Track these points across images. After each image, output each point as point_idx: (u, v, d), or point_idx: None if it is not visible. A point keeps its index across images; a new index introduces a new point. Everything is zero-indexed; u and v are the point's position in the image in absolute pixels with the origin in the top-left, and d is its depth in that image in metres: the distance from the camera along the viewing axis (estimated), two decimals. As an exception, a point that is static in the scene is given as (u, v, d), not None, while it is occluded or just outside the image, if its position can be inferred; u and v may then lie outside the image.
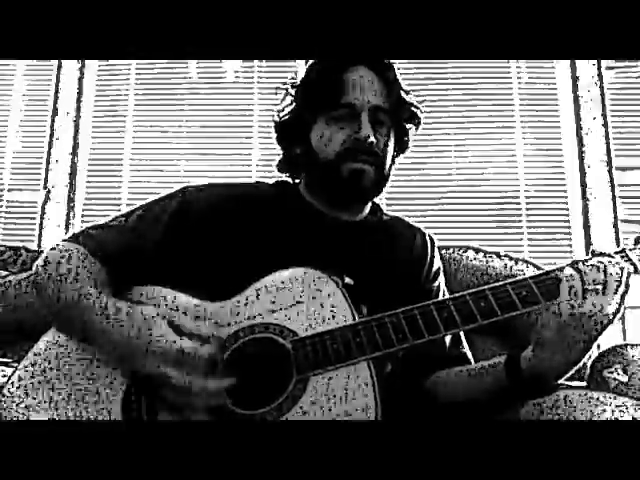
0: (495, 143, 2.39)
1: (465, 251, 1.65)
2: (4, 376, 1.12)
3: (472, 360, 1.10)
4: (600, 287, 0.85)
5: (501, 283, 0.90)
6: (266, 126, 2.43)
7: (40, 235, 2.40)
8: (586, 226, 2.27)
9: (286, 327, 0.89)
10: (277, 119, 1.14)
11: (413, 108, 1.12)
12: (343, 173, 1.04)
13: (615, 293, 0.85)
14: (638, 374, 1.21)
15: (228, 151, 2.47)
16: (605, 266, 0.86)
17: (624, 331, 2.06)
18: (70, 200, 2.44)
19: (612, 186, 2.28)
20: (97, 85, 2.57)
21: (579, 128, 2.34)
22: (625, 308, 0.87)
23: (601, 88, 2.35)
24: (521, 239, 2.30)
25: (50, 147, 2.49)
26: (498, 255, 1.65)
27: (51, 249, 0.98)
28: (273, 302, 0.92)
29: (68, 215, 2.43)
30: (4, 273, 1.73)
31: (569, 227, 2.30)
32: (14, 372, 0.92)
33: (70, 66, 2.55)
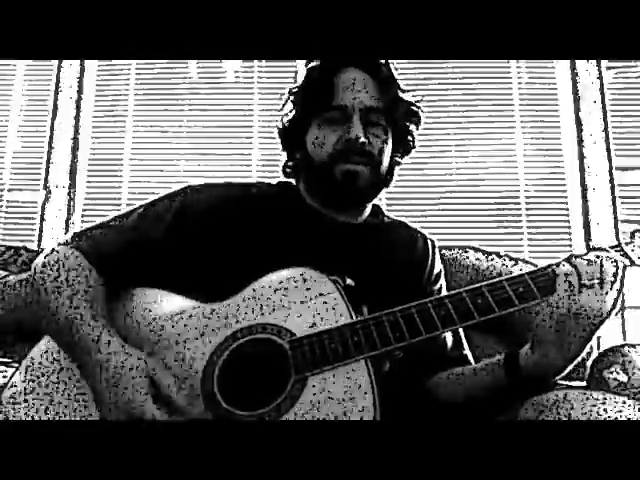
0: (495, 143, 2.39)
1: (465, 251, 1.65)
2: (4, 377, 1.12)
3: (473, 362, 1.10)
4: (596, 282, 0.85)
5: (497, 279, 0.90)
6: (266, 126, 2.43)
7: (40, 235, 2.40)
8: (586, 226, 2.27)
9: (284, 327, 0.89)
10: (280, 126, 1.15)
11: (412, 107, 1.12)
12: (336, 175, 1.04)
13: (611, 288, 0.85)
14: (638, 374, 1.21)
15: (228, 151, 2.47)
16: (601, 261, 0.86)
17: (624, 331, 2.06)
18: (70, 200, 2.44)
19: (612, 186, 2.28)
20: (97, 85, 2.57)
21: (579, 128, 2.34)
22: (624, 306, 0.87)
23: (601, 88, 2.35)
24: (521, 239, 2.30)
25: (50, 147, 2.49)
26: (498, 255, 1.66)
27: (48, 254, 0.98)
28: (271, 302, 0.91)
29: (68, 215, 2.43)
30: (4, 273, 1.73)
31: (569, 227, 2.30)
32: (15, 373, 0.92)
33: (70, 66, 2.55)
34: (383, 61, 1.10)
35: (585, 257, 0.88)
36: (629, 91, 2.38)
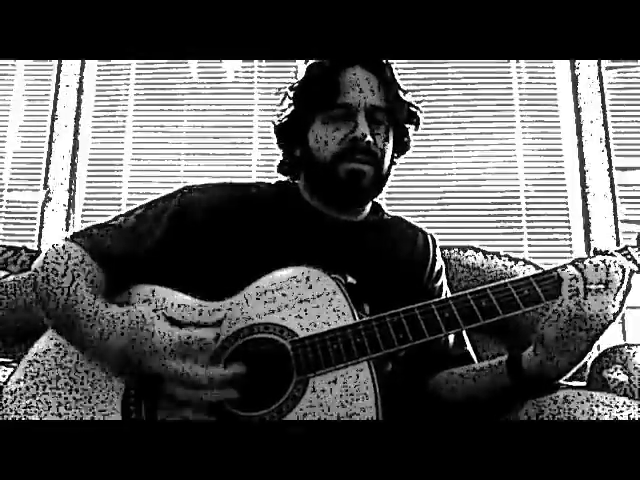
0: (495, 143, 2.39)
1: (465, 251, 1.65)
2: (4, 376, 1.12)
3: (475, 359, 1.10)
4: (602, 287, 0.84)
5: (502, 282, 0.89)
6: (266, 126, 2.43)
7: (40, 235, 2.40)
8: (586, 226, 2.27)
9: (286, 327, 0.89)
10: (277, 122, 1.14)
11: (412, 108, 1.12)
12: (340, 174, 1.04)
13: (617, 293, 0.85)
14: (638, 374, 1.21)
15: (228, 151, 2.47)
16: (607, 265, 0.85)
17: (624, 331, 2.06)
18: (70, 200, 2.44)
19: (612, 186, 2.28)
20: (97, 85, 2.57)
21: (579, 128, 2.34)
22: (625, 308, 0.86)
23: (601, 88, 2.35)
24: (521, 239, 2.30)
25: (50, 147, 2.49)
26: (498, 255, 1.66)
27: (50, 249, 0.98)
28: (273, 302, 0.91)
29: (68, 215, 2.43)
30: (4, 273, 1.73)
31: (569, 227, 2.30)
32: (13, 372, 0.92)
33: (70, 66, 2.55)
34: (385, 61, 1.10)
35: (591, 261, 0.87)
36: (629, 91, 2.38)
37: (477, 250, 1.67)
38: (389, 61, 1.11)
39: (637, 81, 2.39)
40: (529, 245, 2.29)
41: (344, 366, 0.84)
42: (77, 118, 2.52)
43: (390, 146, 1.10)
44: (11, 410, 0.88)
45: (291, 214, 1.09)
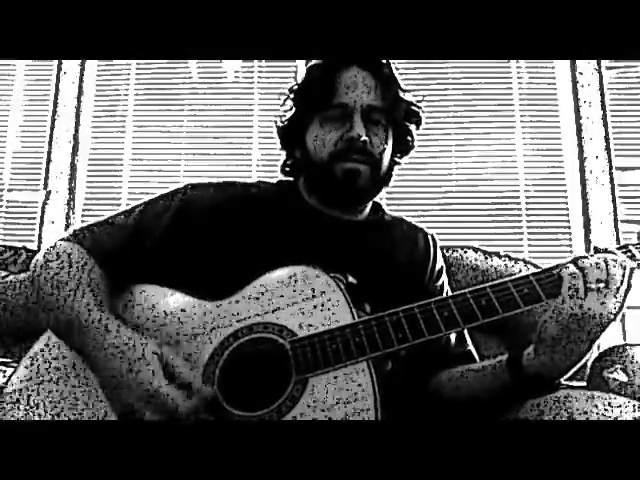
0: (495, 143, 2.39)
1: (465, 251, 1.65)
2: (4, 376, 1.12)
3: (477, 357, 1.10)
4: (602, 285, 0.84)
5: (502, 280, 0.89)
6: (266, 126, 2.43)
7: (40, 235, 2.40)
8: (586, 226, 2.27)
9: (285, 327, 0.89)
10: (279, 124, 1.15)
11: (412, 106, 1.12)
12: (337, 173, 1.04)
13: (617, 291, 0.84)
14: (638, 374, 1.21)
15: (228, 151, 2.47)
16: (607, 264, 0.85)
17: (624, 331, 2.06)
18: (70, 200, 2.44)
19: (612, 186, 2.28)
20: (97, 85, 2.57)
21: (579, 128, 2.34)
22: (626, 307, 0.86)
23: (601, 88, 2.35)
24: (521, 239, 2.30)
25: (50, 147, 2.49)
26: (498, 255, 1.66)
27: (50, 250, 0.97)
28: (272, 301, 0.91)
29: (68, 215, 2.43)
30: (4, 273, 1.73)
31: (569, 227, 2.30)
32: (13, 373, 0.92)
33: (70, 66, 2.55)
34: (384, 61, 1.10)
35: (591, 259, 0.86)
36: (629, 91, 2.38)
37: (477, 250, 1.67)
38: (388, 60, 1.11)
39: (637, 81, 2.40)
40: (529, 245, 2.29)
41: (343, 366, 0.84)
42: (77, 118, 2.52)
43: (389, 146, 1.09)
44: (11, 410, 0.88)
45: (291, 214, 1.09)
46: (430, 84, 2.42)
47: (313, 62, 1.12)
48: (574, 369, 0.88)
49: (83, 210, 2.45)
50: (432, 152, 2.36)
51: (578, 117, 2.35)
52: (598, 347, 1.36)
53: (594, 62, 2.38)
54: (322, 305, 0.89)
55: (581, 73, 2.38)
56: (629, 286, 0.85)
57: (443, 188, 2.37)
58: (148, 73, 2.57)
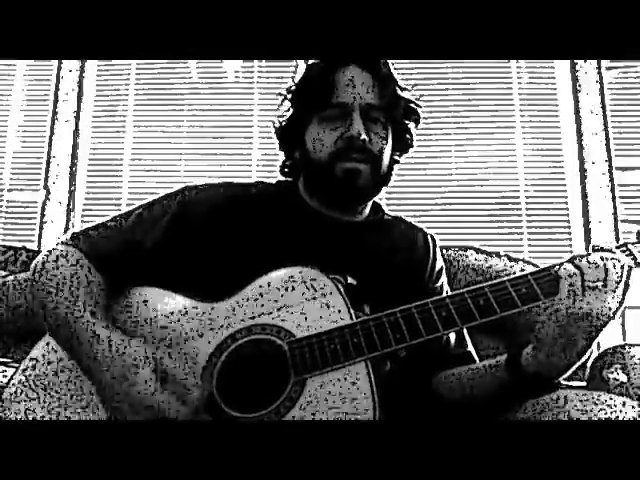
0: (495, 143, 2.39)
1: (465, 251, 1.65)
2: (4, 377, 1.12)
3: (477, 358, 1.10)
4: (600, 284, 0.83)
5: (500, 280, 0.89)
6: (266, 126, 2.43)
7: (40, 235, 2.40)
8: (586, 226, 2.27)
9: (283, 328, 0.89)
10: (277, 125, 1.14)
11: (411, 104, 1.12)
12: (337, 173, 1.03)
13: (615, 290, 0.84)
14: (638, 374, 1.21)
15: (228, 151, 2.47)
16: (605, 263, 0.84)
17: (624, 331, 2.06)
18: (70, 200, 2.44)
19: (612, 186, 2.28)
20: (97, 85, 2.57)
21: (579, 128, 2.34)
22: (625, 307, 0.86)
23: (601, 88, 2.35)
24: (521, 239, 2.30)
25: (50, 147, 2.49)
26: (498, 255, 1.66)
27: (48, 254, 0.97)
28: (270, 302, 0.91)
29: (68, 215, 2.43)
30: (4, 273, 1.73)
31: (569, 227, 2.30)
32: (15, 373, 0.92)
33: (70, 66, 2.55)
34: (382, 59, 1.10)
35: (589, 258, 0.86)
36: (629, 91, 2.38)
37: (477, 250, 1.67)
38: (386, 60, 1.10)
39: (637, 81, 2.39)
40: (529, 245, 2.29)
41: (341, 366, 0.84)
42: (77, 118, 2.51)
43: (389, 144, 1.09)
44: (12, 411, 0.88)
45: (291, 214, 1.09)
46: (430, 84, 2.41)
47: (310, 62, 1.12)
48: (573, 368, 0.88)
49: (83, 210, 2.45)
50: (432, 152, 2.36)
51: (578, 117, 2.35)
52: (598, 347, 1.36)
53: (594, 62, 2.38)
54: (321, 306, 0.89)
55: (580, 73, 2.38)
56: (627, 285, 0.85)
57: (443, 188, 2.37)
58: (148, 73, 2.56)
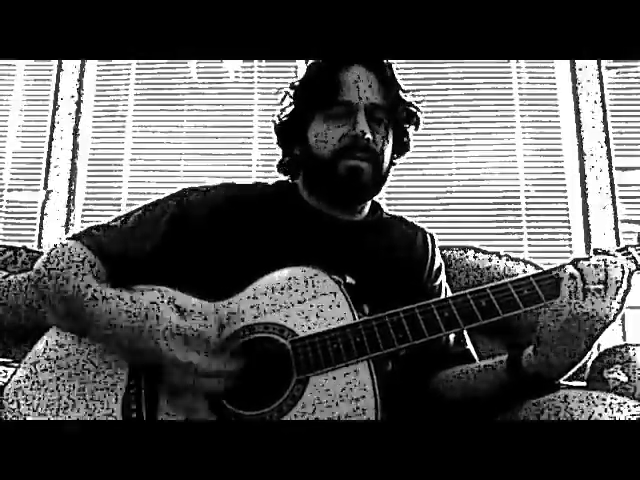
0: (495, 143, 2.39)
1: (465, 251, 1.65)
2: (4, 376, 1.12)
3: (476, 357, 1.10)
4: (601, 287, 0.84)
5: (502, 282, 0.89)
6: (266, 126, 2.43)
7: (40, 235, 2.39)
8: (586, 226, 2.27)
9: (286, 327, 0.89)
10: (277, 121, 1.15)
11: (412, 107, 1.12)
12: (340, 170, 1.04)
13: (616, 293, 0.84)
14: (638, 374, 1.21)
15: (228, 151, 2.47)
16: (606, 265, 0.85)
17: (624, 331, 2.06)
18: (70, 200, 2.44)
19: (612, 186, 2.28)
20: (97, 85, 2.57)
21: (579, 128, 2.34)
22: (625, 308, 0.86)
23: (601, 88, 2.35)
24: (521, 239, 2.30)
25: (50, 147, 2.49)
26: (498, 255, 1.66)
27: (52, 247, 0.98)
28: (272, 301, 0.91)
29: (68, 215, 2.43)
30: (4, 273, 1.73)
31: (569, 227, 2.30)
32: (15, 373, 0.92)
33: (70, 66, 2.55)
34: (385, 61, 1.10)
35: (590, 261, 0.86)
36: (629, 91, 2.38)
37: (477, 250, 1.67)
38: (389, 61, 1.11)
39: (637, 81, 2.39)
40: (529, 245, 2.29)
41: (344, 365, 0.84)
42: (77, 118, 2.52)
43: (390, 145, 1.10)
44: (12, 410, 0.88)
45: (290, 214, 1.09)
46: (430, 84, 2.41)
47: (315, 61, 1.12)
48: (573, 369, 0.89)
49: (83, 210, 2.45)
50: (432, 152, 2.36)
51: (578, 117, 2.35)
52: (598, 347, 1.36)
53: (594, 62, 2.38)
54: (322, 305, 0.89)
55: (581, 69, 2.38)
56: (628, 287, 0.86)
57: (443, 188, 2.37)
58: (148, 73, 2.56)
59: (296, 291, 0.91)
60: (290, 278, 0.93)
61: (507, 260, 1.64)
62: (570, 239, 2.29)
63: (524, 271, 1.55)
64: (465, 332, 1.12)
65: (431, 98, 2.32)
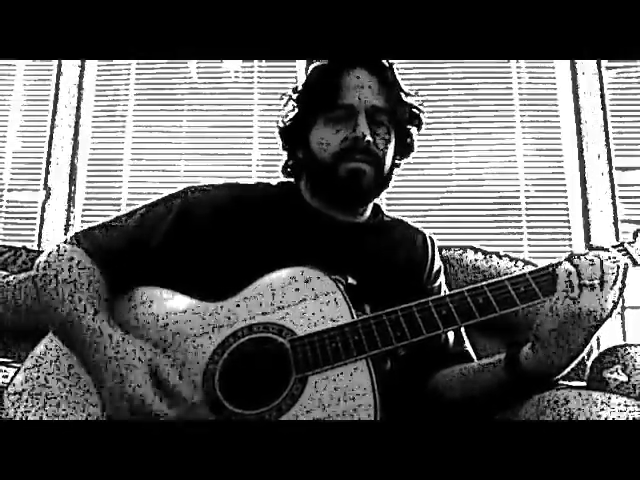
0: (495, 143, 2.39)
1: (465, 251, 1.65)
2: (5, 376, 1.12)
3: (474, 357, 1.11)
4: (597, 282, 0.84)
5: (499, 279, 0.90)
6: (266, 126, 2.43)
7: (40, 235, 2.40)
8: (586, 226, 2.27)
9: (285, 326, 0.89)
10: (281, 125, 1.15)
11: (414, 109, 1.12)
12: (341, 173, 1.04)
13: (612, 288, 0.85)
14: (638, 374, 1.21)
15: (228, 151, 2.47)
16: (602, 261, 0.85)
17: (624, 331, 2.06)
18: (70, 200, 2.44)
19: (612, 186, 2.28)
20: (97, 85, 2.57)
21: (579, 128, 2.34)
22: (625, 306, 0.86)
23: (601, 88, 2.35)
24: (521, 239, 2.30)
25: (50, 147, 2.49)
26: (498, 255, 1.66)
27: (51, 252, 0.98)
28: (272, 301, 0.92)
29: (68, 215, 2.43)
30: (4, 273, 1.73)
31: (569, 227, 2.30)
32: (16, 373, 0.92)
33: (70, 66, 2.55)
34: (387, 63, 1.10)
35: (586, 257, 0.87)
36: (629, 91, 2.38)
37: (477, 250, 1.67)
38: (391, 62, 1.11)
39: (637, 81, 2.39)
40: (529, 245, 2.29)
41: (343, 364, 0.85)
42: (77, 118, 2.52)
43: (391, 147, 1.10)
44: (13, 411, 0.88)
45: (292, 215, 1.09)
46: (430, 84, 2.42)
47: (316, 63, 1.12)
48: (571, 366, 0.89)
49: (83, 210, 2.45)
50: (432, 152, 2.36)
51: (578, 117, 2.35)
52: (598, 347, 1.36)
53: (594, 62, 2.38)
54: (322, 305, 0.90)
55: (580, 73, 2.38)
56: (623, 283, 0.86)
57: (443, 188, 2.37)
58: (148, 73, 2.57)
59: (295, 291, 0.92)
60: (290, 278, 0.93)
61: (507, 260, 1.64)
62: (570, 239, 2.29)
63: (522, 270, 1.55)
64: (464, 332, 1.12)
65: (431, 98, 2.32)
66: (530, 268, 0.92)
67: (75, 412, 0.87)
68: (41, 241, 2.38)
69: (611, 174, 2.29)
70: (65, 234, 2.34)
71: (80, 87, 2.54)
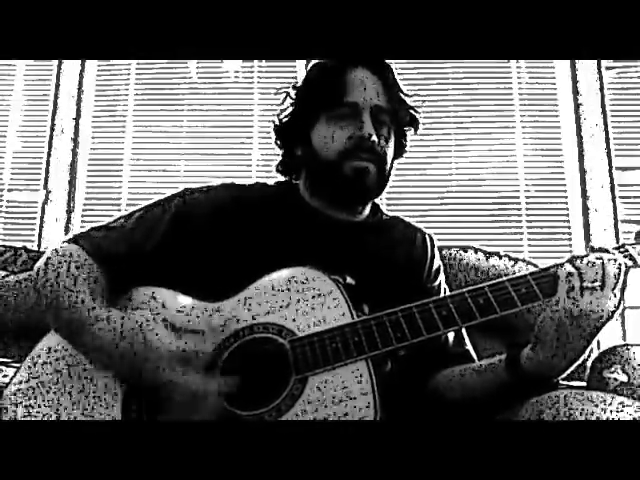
0: (495, 143, 2.39)
1: (465, 251, 1.65)
2: (5, 376, 1.12)
3: (475, 357, 1.10)
4: (598, 284, 0.84)
5: (500, 280, 0.90)
6: (266, 126, 2.43)
7: (40, 235, 2.40)
8: (586, 226, 2.27)
9: (285, 327, 0.89)
10: (277, 121, 1.14)
11: (412, 111, 1.13)
12: (346, 171, 1.04)
13: (613, 290, 0.85)
14: (638, 374, 1.21)
15: (228, 151, 2.47)
16: (603, 263, 0.85)
17: (624, 331, 2.06)
18: (70, 200, 2.44)
19: (612, 186, 2.28)
20: (97, 85, 2.57)
21: (579, 128, 2.34)
22: (625, 306, 0.86)
23: (601, 88, 2.35)
24: (521, 239, 2.30)
25: (50, 147, 2.49)
26: (498, 255, 1.66)
27: (52, 251, 0.98)
28: (272, 302, 0.92)
29: (68, 215, 2.43)
30: (4, 273, 1.73)
31: (569, 227, 2.30)
32: (17, 371, 0.92)
33: (70, 66, 2.55)
34: (387, 64, 1.10)
35: (587, 258, 0.87)
36: (629, 91, 2.38)
37: (477, 250, 1.67)
38: (390, 64, 1.11)
39: (637, 81, 2.39)
40: (529, 245, 2.29)
41: (342, 365, 0.84)
42: (77, 118, 2.52)
43: (391, 147, 1.10)
44: (13, 411, 0.88)
45: (291, 214, 1.09)
46: (430, 84, 2.41)
47: (318, 61, 1.12)
48: (572, 367, 0.89)
49: (83, 210, 2.45)
50: (432, 152, 2.36)
51: (578, 117, 2.35)
52: (598, 347, 1.36)
53: (594, 62, 2.38)
54: (322, 306, 0.90)
55: (580, 73, 2.38)
56: (625, 285, 0.86)
57: (443, 188, 2.37)
58: (148, 73, 2.56)
59: (295, 291, 0.91)
60: (289, 278, 0.93)
61: (507, 260, 1.64)
62: (570, 239, 2.29)
63: (522, 270, 1.55)
64: (465, 332, 1.12)
65: (431, 98, 2.32)
66: (531, 269, 0.92)
67: (75, 412, 0.86)
68: (41, 241, 2.38)
69: (611, 174, 2.29)
70: (65, 234, 2.34)
71: (80, 87, 2.54)
